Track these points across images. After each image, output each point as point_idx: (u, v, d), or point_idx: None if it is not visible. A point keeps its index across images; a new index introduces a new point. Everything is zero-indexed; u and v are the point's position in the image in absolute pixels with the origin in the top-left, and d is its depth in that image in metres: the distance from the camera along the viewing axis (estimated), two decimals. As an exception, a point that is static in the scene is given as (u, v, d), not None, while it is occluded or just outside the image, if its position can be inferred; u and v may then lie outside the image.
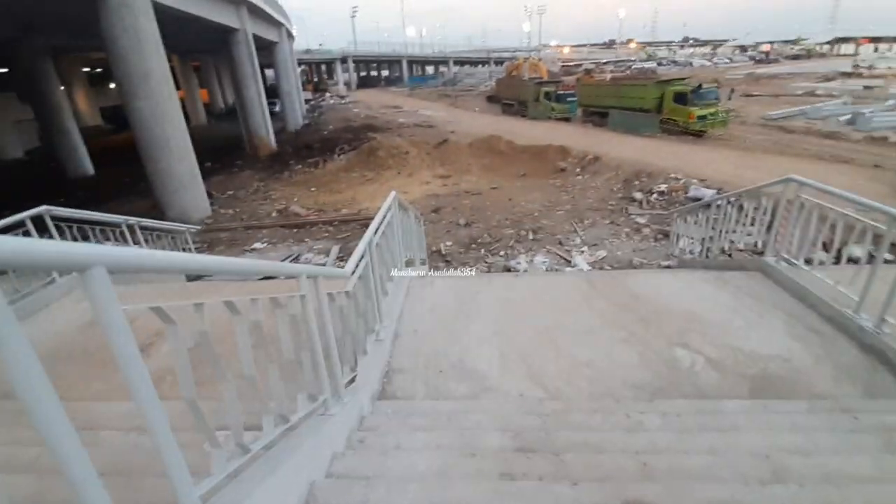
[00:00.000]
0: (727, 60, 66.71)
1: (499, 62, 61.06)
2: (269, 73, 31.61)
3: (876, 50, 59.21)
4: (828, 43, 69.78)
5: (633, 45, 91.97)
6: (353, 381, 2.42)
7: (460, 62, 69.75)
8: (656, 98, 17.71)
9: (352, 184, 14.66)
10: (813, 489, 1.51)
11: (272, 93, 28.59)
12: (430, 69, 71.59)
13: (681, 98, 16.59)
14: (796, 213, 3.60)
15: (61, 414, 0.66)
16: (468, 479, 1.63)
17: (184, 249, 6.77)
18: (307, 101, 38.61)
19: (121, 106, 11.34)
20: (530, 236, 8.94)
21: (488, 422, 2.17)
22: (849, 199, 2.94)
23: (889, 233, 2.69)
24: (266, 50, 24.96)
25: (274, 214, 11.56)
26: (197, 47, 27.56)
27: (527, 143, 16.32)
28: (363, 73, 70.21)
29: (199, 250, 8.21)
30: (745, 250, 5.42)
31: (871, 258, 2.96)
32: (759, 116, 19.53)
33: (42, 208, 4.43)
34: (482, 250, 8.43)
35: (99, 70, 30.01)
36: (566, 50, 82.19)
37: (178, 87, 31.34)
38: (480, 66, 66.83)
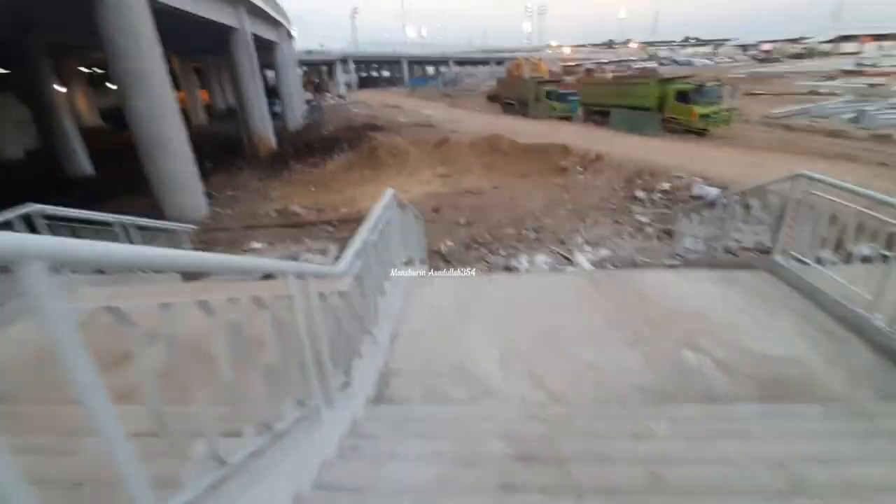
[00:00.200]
0: (729, 60, 66.51)
1: (499, 62, 60.95)
2: (270, 73, 31.58)
3: (880, 47, 58.93)
4: (830, 41, 69.48)
5: (633, 45, 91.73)
6: (347, 384, 2.33)
7: (461, 62, 69.62)
8: (658, 97, 17.58)
9: (351, 183, 14.57)
10: (835, 502, 1.40)
11: (273, 93, 28.55)
12: (430, 69, 71.52)
13: (683, 96, 16.46)
14: (806, 210, 3.49)
15: None
16: (466, 492, 1.53)
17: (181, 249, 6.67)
18: (308, 101, 38.55)
19: (121, 106, 11.27)
20: (532, 235, 8.83)
21: (488, 428, 2.07)
22: (865, 195, 2.83)
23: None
24: (266, 50, 24.90)
25: (273, 214, 11.47)
26: (197, 47, 27.51)
27: (528, 142, 16.20)
28: (364, 74, 70.16)
29: (196, 250, 8.12)
30: (750, 249, 5.31)
31: (885, 257, 2.86)
32: (762, 115, 19.38)
33: (32, 208, 4.34)
34: (483, 250, 8.33)
35: (99, 70, 30.01)
36: (567, 50, 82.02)
37: (178, 88, 31.36)
38: (481, 66, 66.70)
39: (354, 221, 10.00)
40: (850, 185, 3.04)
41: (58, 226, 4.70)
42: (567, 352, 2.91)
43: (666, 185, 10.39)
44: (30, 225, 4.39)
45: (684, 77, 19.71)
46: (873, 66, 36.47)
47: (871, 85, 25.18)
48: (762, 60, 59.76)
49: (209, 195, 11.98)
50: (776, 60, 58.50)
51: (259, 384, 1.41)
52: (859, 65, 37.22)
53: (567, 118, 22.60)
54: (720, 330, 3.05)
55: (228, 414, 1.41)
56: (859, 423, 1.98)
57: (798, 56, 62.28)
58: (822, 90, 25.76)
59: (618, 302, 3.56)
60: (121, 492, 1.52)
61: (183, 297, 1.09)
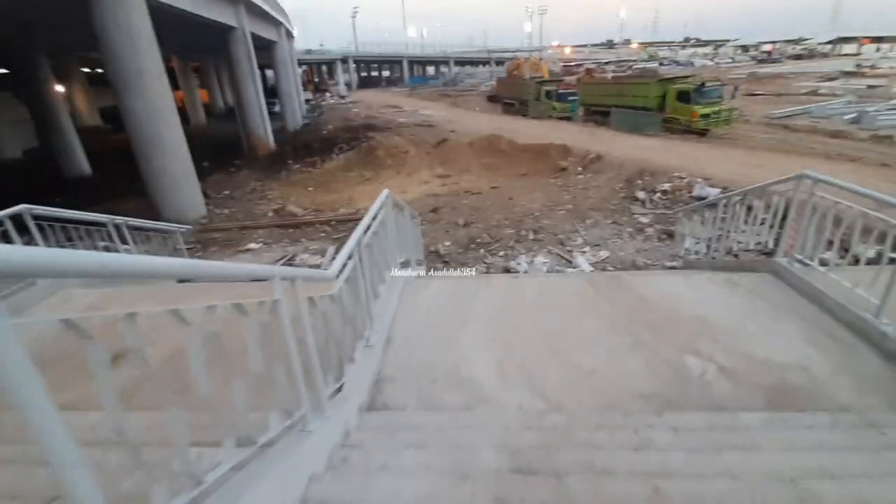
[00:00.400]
0: (729, 60, 66.48)
1: (500, 62, 60.89)
2: (270, 73, 31.49)
3: (878, 49, 58.91)
4: (830, 43, 69.43)
5: (634, 46, 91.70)
6: (339, 391, 2.25)
7: (461, 62, 69.58)
8: (659, 96, 17.53)
9: (350, 183, 14.50)
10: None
11: (272, 93, 28.47)
12: (430, 69, 71.48)
13: (684, 96, 16.40)
14: (810, 211, 3.41)
15: None
16: (459, 509, 1.45)
17: (175, 250, 6.60)
18: (307, 101, 38.49)
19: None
20: (531, 236, 8.75)
21: (483, 437, 1.99)
22: (871, 196, 2.76)
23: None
24: (266, 50, 24.82)
25: (270, 214, 11.39)
26: (196, 47, 27.44)
27: (528, 142, 16.13)
28: (364, 74, 70.10)
29: (191, 251, 8.05)
30: (751, 251, 5.24)
31: (892, 260, 2.79)
32: (763, 115, 19.32)
33: (21, 207, 4.26)
34: (481, 251, 8.26)
35: (98, 70, 29.92)
36: (567, 50, 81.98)
37: (177, 88, 31.28)
38: (481, 66, 66.64)
39: (353, 221, 9.93)
40: (855, 186, 2.96)
41: (49, 226, 4.63)
42: (566, 357, 2.84)
43: (666, 186, 10.33)
44: (19, 225, 4.31)
45: (685, 77, 19.66)
46: (873, 67, 36.44)
47: (871, 86, 25.14)
48: (762, 61, 59.72)
49: (206, 195, 11.90)
50: (776, 61, 58.46)
51: (241, 394, 1.34)
52: (859, 66, 37.18)
53: (567, 118, 22.54)
54: (723, 335, 2.98)
55: (206, 427, 1.33)
56: (869, 435, 1.91)
57: (798, 57, 62.24)
58: (821, 91, 25.72)
59: (618, 305, 3.49)
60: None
61: (151, 308, 1.02)
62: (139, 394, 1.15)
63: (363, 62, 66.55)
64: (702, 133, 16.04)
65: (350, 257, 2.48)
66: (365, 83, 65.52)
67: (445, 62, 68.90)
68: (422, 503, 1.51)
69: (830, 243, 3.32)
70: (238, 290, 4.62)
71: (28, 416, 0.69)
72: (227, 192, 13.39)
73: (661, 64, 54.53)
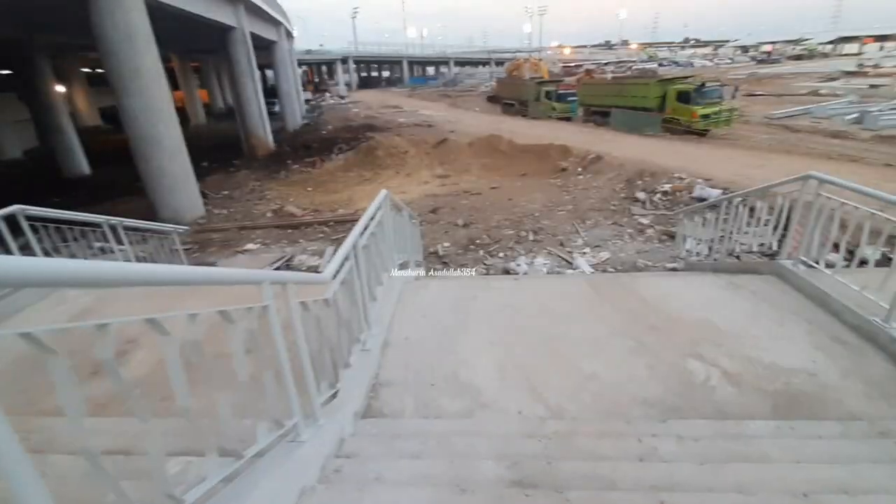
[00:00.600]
0: (729, 61, 66.45)
1: (499, 63, 60.84)
2: (270, 74, 31.44)
3: (882, 48, 58.79)
4: (830, 42, 69.38)
5: (633, 47, 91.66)
6: (333, 397, 2.19)
7: (461, 63, 69.55)
8: (659, 97, 17.47)
9: (349, 184, 14.44)
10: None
11: (272, 93, 28.41)
12: (430, 70, 71.44)
13: (684, 97, 16.34)
14: (816, 212, 3.35)
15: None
16: (456, 525, 1.39)
17: (172, 251, 6.52)
18: (307, 101, 38.43)
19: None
20: (531, 237, 8.69)
21: (483, 446, 1.92)
22: (879, 197, 2.69)
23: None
24: (265, 50, 24.77)
25: (269, 215, 11.33)
26: (196, 47, 27.40)
27: (527, 143, 16.07)
28: (364, 74, 70.07)
29: (189, 252, 7.98)
30: (754, 252, 5.18)
31: (902, 262, 2.72)
32: (763, 116, 19.26)
33: (15, 208, 4.19)
34: (481, 251, 8.19)
35: (99, 71, 29.87)
36: (567, 51, 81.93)
37: (177, 88, 31.15)
38: (481, 66, 66.63)
39: (352, 222, 9.84)
40: (862, 187, 2.90)
41: (43, 227, 4.56)
42: (567, 361, 2.77)
43: (667, 187, 10.26)
44: (12, 226, 4.25)
45: (685, 77, 19.61)
46: (876, 66, 36.38)
47: (873, 86, 25.07)
48: (762, 61, 59.67)
49: (205, 195, 11.83)
50: (776, 61, 58.41)
51: (226, 405, 1.27)
52: (861, 66, 37.12)
53: (567, 118, 22.50)
54: (727, 338, 2.91)
55: (190, 439, 1.27)
56: (883, 445, 1.84)
57: (798, 57, 62.19)
58: (822, 91, 25.66)
59: (619, 308, 3.42)
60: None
61: (129, 316, 0.95)
62: (116, 405, 1.08)
63: (363, 62, 66.55)
64: (702, 133, 15.98)
65: (346, 260, 2.41)
66: (365, 83, 65.50)
67: (445, 63, 68.89)
68: (417, 518, 1.44)
69: (836, 245, 3.26)
70: (236, 291, 4.56)
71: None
72: (225, 193, 13.32)
73: (660, 64, 54.51)
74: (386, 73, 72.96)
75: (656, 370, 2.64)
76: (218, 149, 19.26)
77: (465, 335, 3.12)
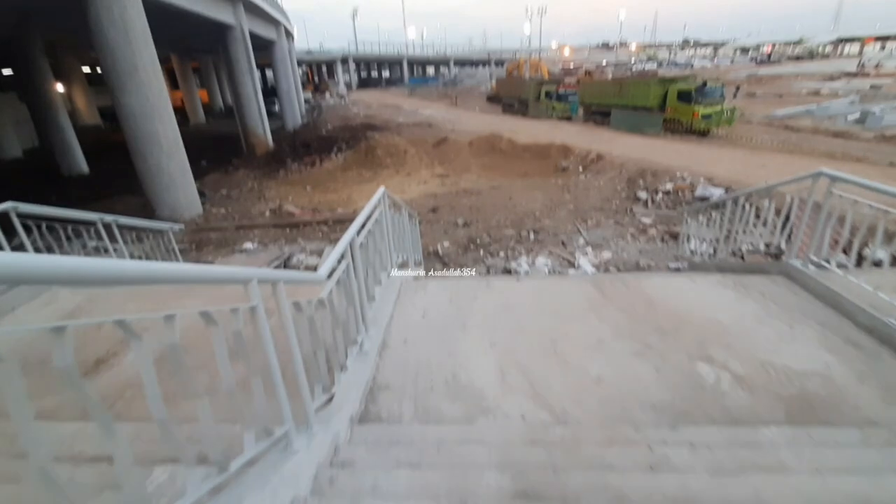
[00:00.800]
0: (729, 61, 66.39)
1: (499, 63, 60.78)
2: (271, 73, 31.31)
3: (883, 48, 58.68)
4: (831, 43, 69.31)
5: (633, 48, 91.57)
6: (328, 402, 2.09)
7: (461, 63, 69.46)
8: (659, 96, 17.38)
9: (348, 183, 14.35)
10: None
11: (271, 92, 28.31)
12: (430, 70, 71.35)
13: (685, 96, 16.26)
14: (827, 210, 3.25)
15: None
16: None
17: (168, 250, 6.43)
18: (307, 100, 38.32)
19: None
20: (531, 237, 8.60)
21: (485, 454, 1.83)
22: (894, 194, 2.60)
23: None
24: (265, 49, 24.68)
25: (267, 214, 11.23)
26: (195, 46, 27.32)
27: (527, 142, 15.99)
28: (364, 74, 69.93)
29: (185, 251, 7.88)
30: (760, 252, 5.09)
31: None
32: (764, 116, 19.18)
33: (7, 205, 4.09)
34: (481, 251, 8.09)
35: (99, 70, 29.77)
36: (567, 51, 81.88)
37: (176, 87, 31.00)
38: (481, 66, 66.56)
39: (350, 221, 9.77)
40: (877, 184, 2.81)
41: (36, 225, 4.46)
42: (571, 364, 2.68)
43: (669, 186, 10.17)
44: (4, 224, 4.16)
45: (686, 77, 19.53)
46: (877, 66, 36.32)
47: (874, 86, 25.00)
48: (762, 62, 59.61)
49: (203, 194, 11.73)
50: (776, 62, 58.36)
51: (208, 413, 1.18)
52: (862, 66, 37.05)
53: (567, 118, 22.43)
54: (737, 340, 2.82)
55: (168, 451, 1.17)
56: (906, 453, 1.75)
57: (798, 58, 62.14)
58: (823, 91, 25.58)
59: (624, 308, 3.33)
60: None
61: (98, 317, 0.86)
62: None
63: (363, 62, 66.39)
64: (703, 133, 15.90)
65: (342, 258, 2.32)
66: (365, 83, 65.37)
67: (445, 63, 68.79)
68: (416, 534, 1.35)
69: (849, 244, 3.17)
70: (230, 289, 4.47)
71: None
72: (224, 191, 13.22)
73: (659, 65, 54.41)
74: (386, 74, 72.84)
75: (664, 373, 2.54)
76: (217, 148, 19.17)
77: (465, 337, 3.03)
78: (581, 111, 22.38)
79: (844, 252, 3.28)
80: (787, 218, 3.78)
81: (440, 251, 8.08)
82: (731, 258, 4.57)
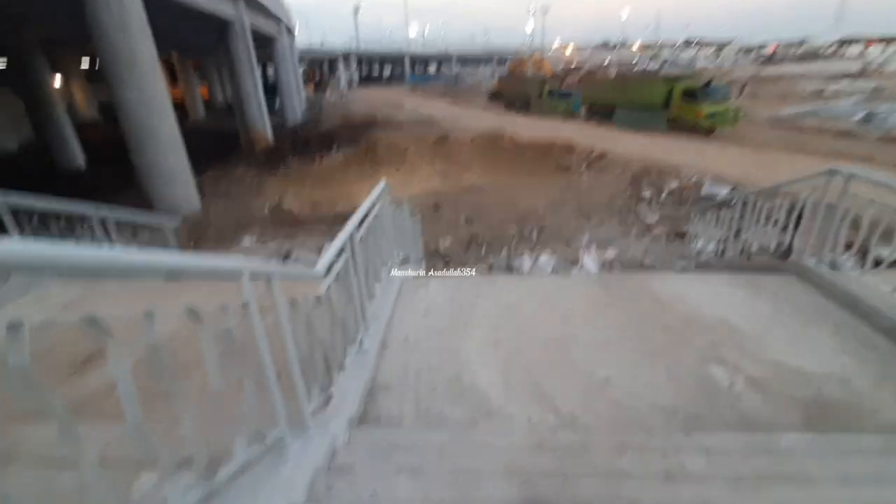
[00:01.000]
0: (732, 61, 66.01)
1: (501, 61, 60.51)
2: (272, 70, 31.18)
3: (885, 49, 58.41)
4: (834, 43, 68.95)
5: (634, 47, 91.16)
6: (326, 404, 2.00)
7: (463, 60, 69.20)
8: (664, 95, 17.23)
9: (349, 180, 14.25)
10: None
11: (272, 89, 28.18)
12: (432, 67, 71.11)
13: (690, 95, 16.12)
14: (842, 209, 3.16)
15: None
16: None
17: (164, 246, 6.35)
18: (308, 97, 38.17)
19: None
20: (534, 235, 8.50)
21: (489, 461, 1.74)
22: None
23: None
24: (266, 46, 24.53)
25: (266, 210, 11.13)
26: (195, 42, 27.11)
27: (530, 140, 15.87)
28: (365, 71, 69.69)
29: (182, 247, 7.79)
30: (771, 251, 4.99)
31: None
32: (769, 115, 19.03)
33: (-5, 197, 4.02)
34: (483, 249, 8.00)
35: (98, 66, 29.64)
36: (569, 50, 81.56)
37: (177, 83, 30.81)
38: (483, 64, 66.35)
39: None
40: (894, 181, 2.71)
41: (28, 220, 4.38)
42: (577, 365, 2.59)
43: (674, 185, 10.07)
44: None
45: (690, 75, 19.39)
46: (881, 67, 36.10)
47: (877, 88, 24.81)
48: (765, 62, 59.28)
49: (201, 190, 11.63)
50: (780, 62, 58.05)
51: (192, 417, 1.09)
52: (866, 66, 36.81)
53: (570, 116, 22.29)
54: (749, 341, 2.73)
55: (148, 459, 1.08)
56: (935, 462, 1.65)
57: (801, 58, 61.81)
58: (827, 92, 25.41)
59: (631, 308, 3.24)
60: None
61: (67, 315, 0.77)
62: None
63: (365, 59, 66.14)
64: (707, 132, 15.77)
65: (341, 253, 2.22)
66: (366, 80, 65.12)
67: (447, 60, 68.55)
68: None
69: (865, 244, 3.07)
70: (229, 286, 4.38)
71: None
72: (223, 187, 13.12)
73: (660, 66, 54.09)
74: (387, 71, 72.58)
75: (675, 375, 2.45)
76: (217, 144, 19.04)
77: (467, 335, 2.94)
78: (584, 109, 22.24)
79: (861, 252, 3.18)
80: (800, 217, 3.68)
81: (442, 249, 7.99)
82: (742, 257, 4.46)
